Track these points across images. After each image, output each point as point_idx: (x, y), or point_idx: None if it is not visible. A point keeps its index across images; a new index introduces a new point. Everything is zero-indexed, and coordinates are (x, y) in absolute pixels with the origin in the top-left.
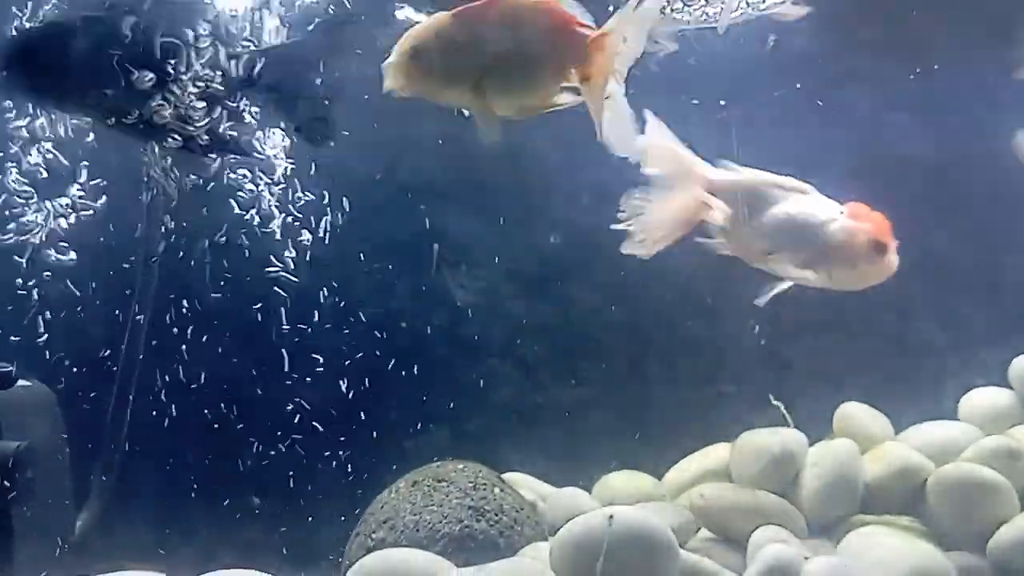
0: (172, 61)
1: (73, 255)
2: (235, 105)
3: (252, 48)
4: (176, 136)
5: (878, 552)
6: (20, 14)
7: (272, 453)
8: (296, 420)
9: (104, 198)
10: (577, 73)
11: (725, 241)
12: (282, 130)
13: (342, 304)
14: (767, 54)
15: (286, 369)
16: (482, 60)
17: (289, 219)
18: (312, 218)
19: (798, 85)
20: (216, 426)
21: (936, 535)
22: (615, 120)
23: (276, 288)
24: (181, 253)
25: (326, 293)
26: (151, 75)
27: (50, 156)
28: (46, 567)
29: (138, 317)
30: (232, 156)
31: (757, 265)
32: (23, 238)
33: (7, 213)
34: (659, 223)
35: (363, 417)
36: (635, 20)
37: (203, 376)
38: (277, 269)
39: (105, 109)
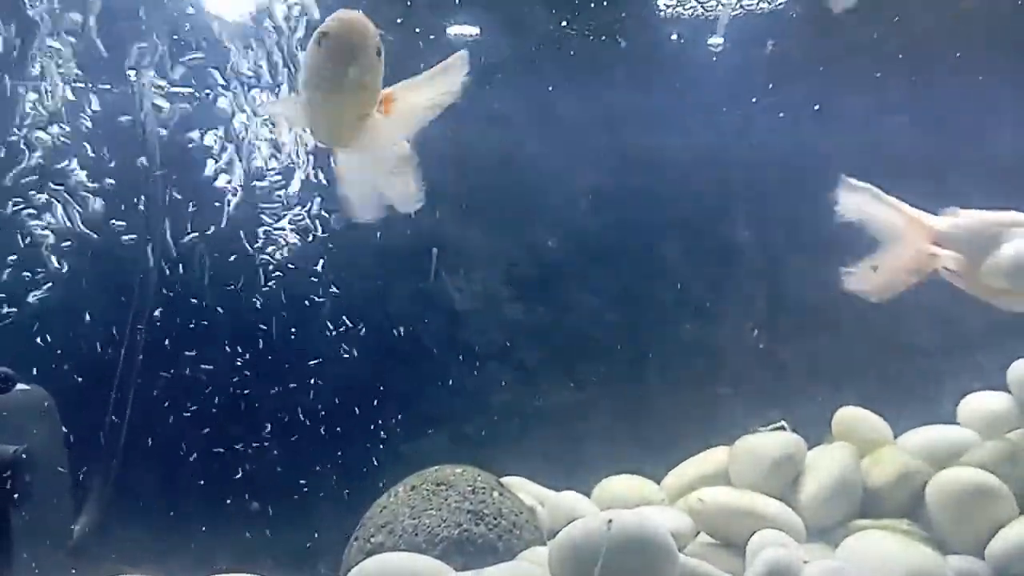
0: None
1: None
2: None
3: None
4: None
5: (877, 556)
6: None
7: (270, 457)
8: (295, 424)
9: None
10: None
11: (962, 281)
12: None
13: (340, 308)
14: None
15: (285, 373)
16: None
17: (288, 223)
18: (309, 222)
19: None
20: (214, 431)
21: (935, 539)
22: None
23: (275, 292)
24: (179, 257)
25: (324, 297)
26: None
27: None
28: (44, 571)
29: (137, 322)
30: None
31: (993, 301)
32: None
33: None
34: (890, 276)
35: (362, 421)
36: (420, 89)
37: (201, 381)
38: (276, 273)
39: None
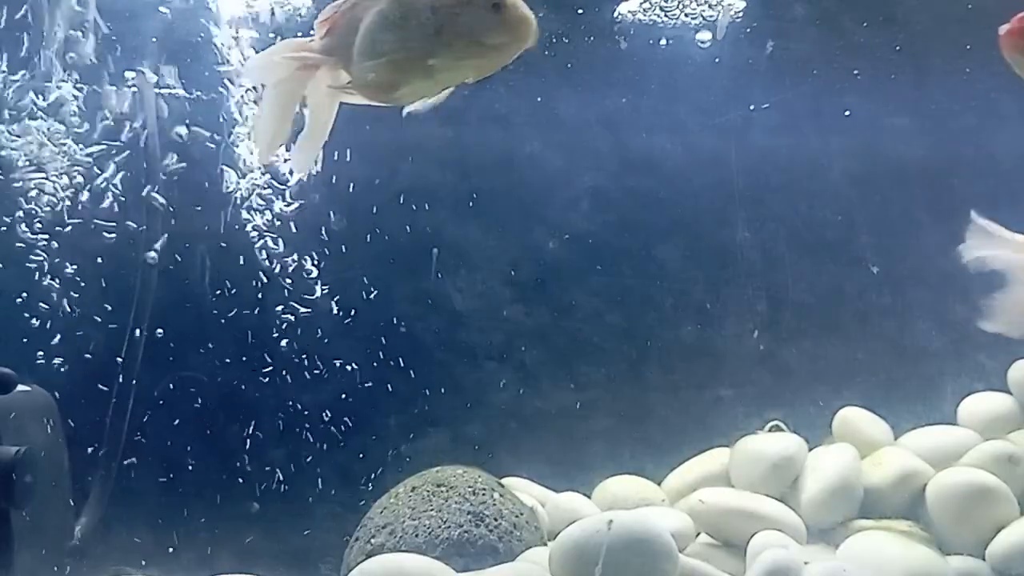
0: None
1: None
2: None
3: None
4: None
5: (877, 557)
6: None
7: (271, 458)
8: (295, 425)
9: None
10: None
11: None
12: None
13: (341, 308)
14: None
15: (285, 374)
16: None
17: (288, 223)
18: (311, 223)
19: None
20: (215, 431)
21: (935, 540)
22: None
23: (275, 293)
24: (180, 257)
25: (325, 297)
26: None
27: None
28: (46, 572)
29: (137, 321)
30: None
31: None
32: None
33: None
34: (1019, 312)
35: (362, 422)
36: None
37: (202, 381)
38: (276, 274)
39: None
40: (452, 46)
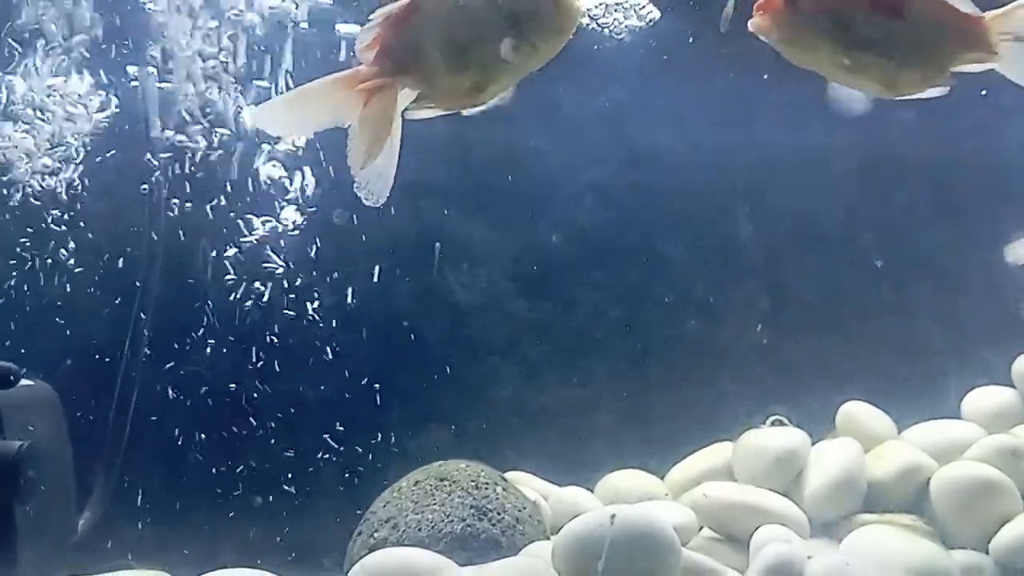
0: None
1: None
2: None
3: None
4: None
5: (881, 551)
6: None
7: (274, 452)
8: (298, 419)
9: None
10: None
11: None
12: None
13: (344, 303)
14: None
15: (288, 368)
16: None
17: (290, 218)
18: (313, 217)
19: None
20: (218, 425)
21: (939, 534)
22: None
23: (279, 287)
24: (182, 252)
25: (328, 292)
26: None
27: None
28: (49, 566)
29: (141, 316)
30: None
31: None
32: None
33: None
34: None
35: (366, 416)
36: None
37: (205, 375)
38: (279, 268)
39: None
40: (527, 37)
